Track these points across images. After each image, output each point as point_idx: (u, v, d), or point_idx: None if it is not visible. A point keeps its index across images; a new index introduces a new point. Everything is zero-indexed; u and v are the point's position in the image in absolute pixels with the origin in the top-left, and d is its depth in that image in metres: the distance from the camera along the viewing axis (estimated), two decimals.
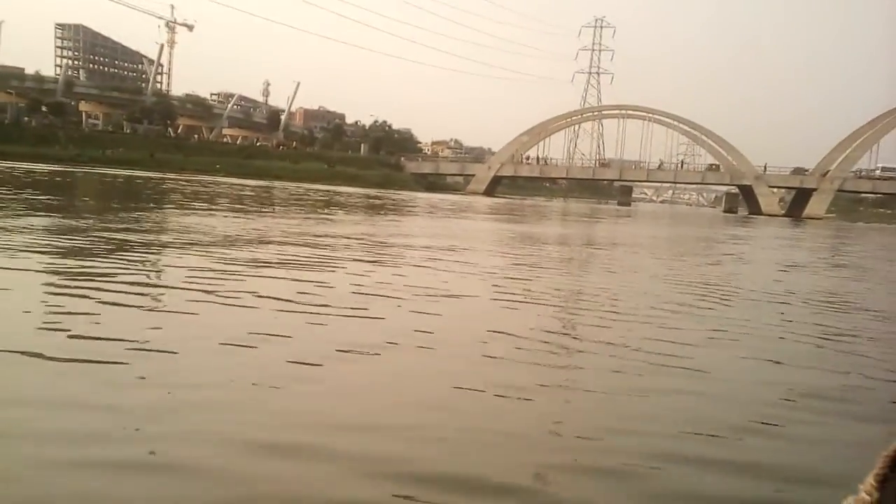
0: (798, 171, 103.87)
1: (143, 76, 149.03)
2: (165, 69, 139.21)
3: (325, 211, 32.59)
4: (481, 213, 45.09)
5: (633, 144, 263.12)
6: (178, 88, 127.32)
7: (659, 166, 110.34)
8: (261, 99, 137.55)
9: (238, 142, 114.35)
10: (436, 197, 74.39)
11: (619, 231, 38.97)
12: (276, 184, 67.35)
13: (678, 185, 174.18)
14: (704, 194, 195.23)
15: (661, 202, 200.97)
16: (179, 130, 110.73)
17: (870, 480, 0.50)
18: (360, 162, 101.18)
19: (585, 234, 32.63)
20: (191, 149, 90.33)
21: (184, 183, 50.74)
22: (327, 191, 60.61)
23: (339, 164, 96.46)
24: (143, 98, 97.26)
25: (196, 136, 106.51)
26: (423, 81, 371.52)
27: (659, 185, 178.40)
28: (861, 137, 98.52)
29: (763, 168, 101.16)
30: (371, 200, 50.32)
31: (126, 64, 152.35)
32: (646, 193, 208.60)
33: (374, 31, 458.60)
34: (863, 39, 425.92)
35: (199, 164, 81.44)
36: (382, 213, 36.08)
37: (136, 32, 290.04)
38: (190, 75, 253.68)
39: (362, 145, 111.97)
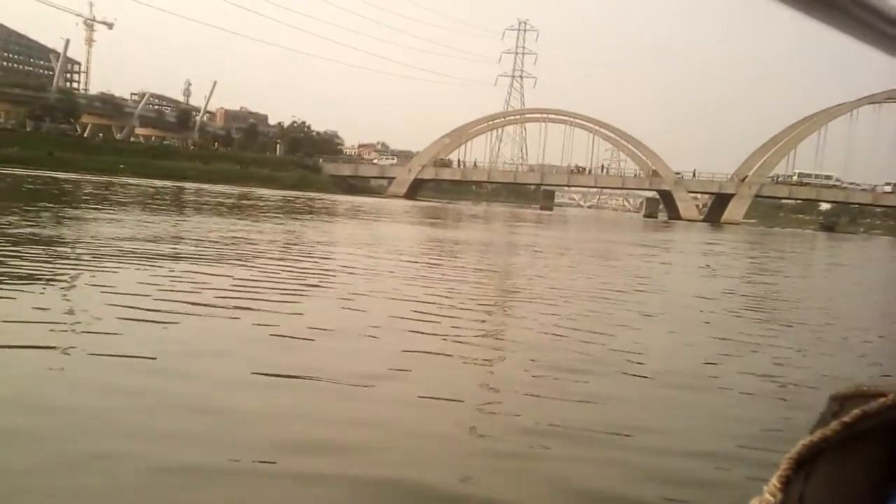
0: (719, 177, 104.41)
1: (65, 76, 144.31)
2: (83, 67, 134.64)
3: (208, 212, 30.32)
4: (385, 217, 43.14)
5: (556, 149, 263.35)
6: (99, 88, 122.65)
7: (581, 171, 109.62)
8: (182, 99, 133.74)
9: (152, 141, 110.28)
10: (352, 199, 72.34)
11: (517, 237, 37.48)
12: (177, 185, 64.30)
13: (605, 191, 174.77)
14: (631, 200, 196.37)
15: (589, 207, 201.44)
16: (88, 129, 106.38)
17: (774, 482, 0.51)
18: (275, 163, 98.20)
19: (474, 238, 31.00)
20: (94, 148, 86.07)
21: (68, 185, 47.58)
22: (229, 193, 57.95)
23: (253, 165, 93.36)
24: (47, 95, 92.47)
25: (100, 134, 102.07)
26: (351, 84, 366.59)
27: (586, 190, 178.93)
28: (778, 144, 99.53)
29: (681, 174, 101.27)
30: (265, 202, 47.99)
31: (41, 62, 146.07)
32: (573, 199, 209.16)
33: (304, 33, 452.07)
34: (783, 48, 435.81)
35: (102, 163, 77.49)
36: (271, 215, 33.87)
37: (57, 31, 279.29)
38: (113, 76, 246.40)
39: (278, 146, 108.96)
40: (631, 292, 14.65)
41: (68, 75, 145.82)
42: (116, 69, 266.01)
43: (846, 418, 0.46)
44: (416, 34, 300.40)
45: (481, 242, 28.09)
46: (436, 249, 22.37)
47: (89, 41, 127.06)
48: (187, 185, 66.52)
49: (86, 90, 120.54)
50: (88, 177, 61.74)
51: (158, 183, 62.77)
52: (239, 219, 27.67)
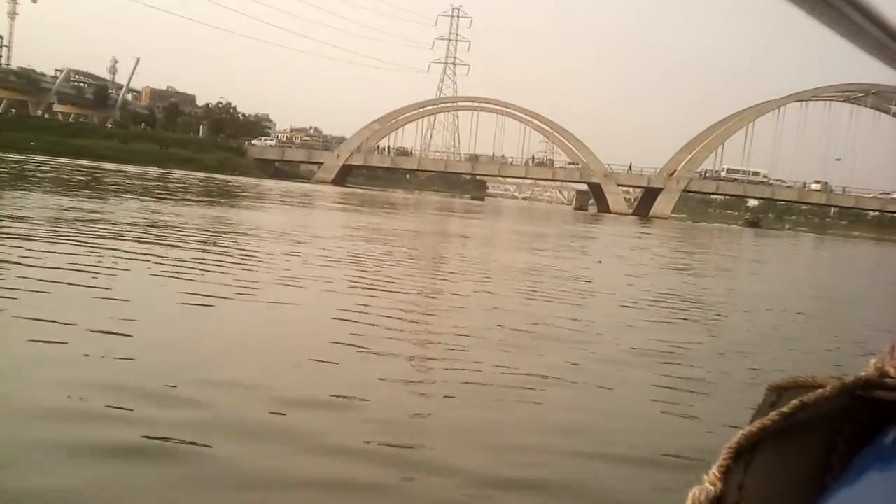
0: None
1: None
2: (6, 42, 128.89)
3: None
4: (294, 203, 41.31)
5: (488, 139, 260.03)
6: (23, 63, 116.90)
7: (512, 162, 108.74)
8: (108, 77, 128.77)
9: (71, 119, 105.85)
10: (274, 184, 70.09)
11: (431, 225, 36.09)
12: (85, 164, 61.22)
13: (539, 183, 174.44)
14: (565, 192, 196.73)
15: (524, 198, 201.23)
16: (2, 105, 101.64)
17: (713, 471, 0.49)
18: (197, 144, 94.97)
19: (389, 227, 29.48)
20: (4, 123, 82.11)
21: None
22: (140, 174, 55.33)
23: (175, 146, 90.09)
24: None
25: (13, 110, 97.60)
26: (285, 67, 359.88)
27: (521, 181, 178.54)
28: (706, 140, 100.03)
29: (610, 167, 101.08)
30: (173, 184, 45.71)
31: None
32: (508, 189, 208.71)
33: (236, 13, 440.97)
34: (716, 45, 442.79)
35: (11, 140, 73.84)
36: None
37: None
38: (40, 51, 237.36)
39: (201, 126, 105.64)
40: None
41: None
42: (43, 45, 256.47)
43: (785, 408, 0.47)
44: (348, 17, 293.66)
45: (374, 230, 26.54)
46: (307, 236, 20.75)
47: (12, 14, 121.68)
48: (100, 164, 63.51)
49: (7, 65, 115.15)
50: None
51: (67, 162, 59.70)
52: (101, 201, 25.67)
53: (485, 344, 8.20)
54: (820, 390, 0.47)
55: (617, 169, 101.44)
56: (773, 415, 0.48)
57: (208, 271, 11.43)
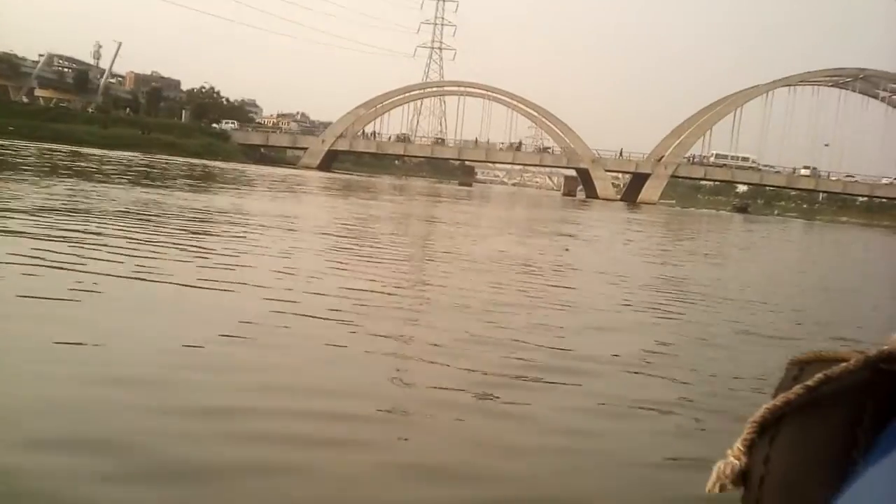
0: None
1: None
2: None
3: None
4: (275, 189, 40.41)
5: (475, 124, 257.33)
6: (4, 48, 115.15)
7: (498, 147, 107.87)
8: (93, 62, 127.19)
9: (52, 104, 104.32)
10: (257, 169, 69.08)
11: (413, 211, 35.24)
12: (63, 149, 60.10)
13: (529, 169, 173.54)
14: (555, 178, 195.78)
15: (513, 184, 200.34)
16: None
17: (738, 445, 0.48)
18: (180, 129, 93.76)
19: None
20: None
21: None
22: (117, 158, 54.29)
23: (157, 131, 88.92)
24: None
25: None
26: (272, 52, 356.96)
27: (510, 167, 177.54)
28: (694, 125, 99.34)
29: (598, 152, 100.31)
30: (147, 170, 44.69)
31: None
32: (497, 175, 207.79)
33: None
34: (706, 29, 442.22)
35: None
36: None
37: None
38: (22, 35, 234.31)
39: (184, 111, 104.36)
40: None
41: None
42: (27, 30, 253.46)
43: (809, 382, 0.45)
44: (336, 2, 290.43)
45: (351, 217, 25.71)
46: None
47: None
48: (79, 149, 62.38)
49: None
50: None
51: (44, 146, 58.60)
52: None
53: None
54: (843, 364, 0.45)
55: (606, 155, 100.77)
56: (796, 388, 0.46)
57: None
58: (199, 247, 12.53)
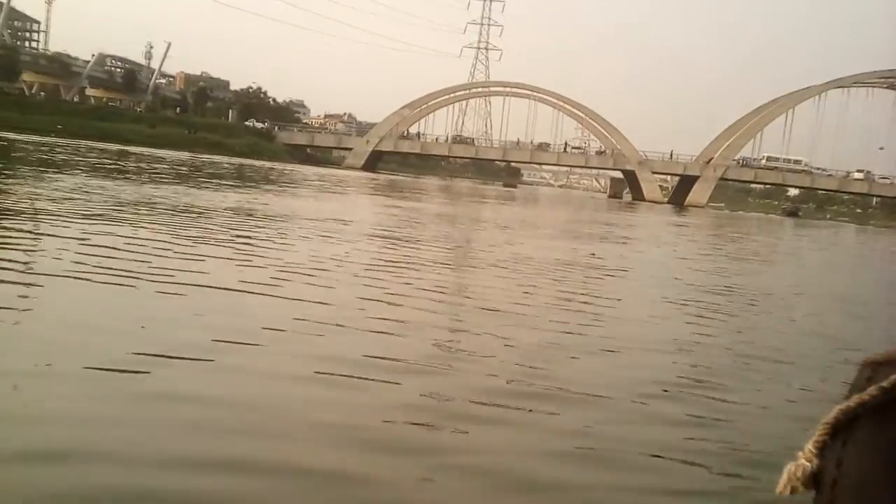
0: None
1: (20, 34, 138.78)
2: (43, 27, 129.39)
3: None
4: (313, 189, 40.26)
5: (519, 125, 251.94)
6: (61, 48, 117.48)
7: (544, 147, 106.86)
8: (144, 62, 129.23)
9: (102, 103, 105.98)
10: (301, 169, 69.31)
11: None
12: (110, 147, 60.80)
13: (576, 170, 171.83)
14: (602, 181, 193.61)
15: (560, 186, 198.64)
16: (35, 88, 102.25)
17: (809, 447, 0.46)
18: (226, 129, 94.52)
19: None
20: (34, 107, 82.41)
21: None
22: (157, 156, 54.69)
23: (203, 131, 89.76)
24: None
25: (42, 93, 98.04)
26: (320, 53, 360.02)
27: (558, 168, 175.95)
28: (744, 126, 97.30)
29: (645, 154, 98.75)
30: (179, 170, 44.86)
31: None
32: (545, 177, 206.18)
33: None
34: (754, 29, 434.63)
35: (36, 123, 73.98)
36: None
37: None
38: (79, 35, 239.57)
39: (231, 111, 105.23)
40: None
41: (26, 34, 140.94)
42: (84, 31, 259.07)
43: (884, 383, 0.43)
44: (385, 3, 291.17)
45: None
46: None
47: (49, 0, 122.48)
48: (126, 147, 63.19)
49: (45, 50, 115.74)
50: (11, 135, 58.33)
51: (91, 144, 59.36)
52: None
53: None
54: None
55: (654, 157, 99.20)
56: (871, 390, 0.44)
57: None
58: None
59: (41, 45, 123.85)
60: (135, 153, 54.35)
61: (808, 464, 0.47)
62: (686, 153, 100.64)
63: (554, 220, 36.41)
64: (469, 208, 39.40)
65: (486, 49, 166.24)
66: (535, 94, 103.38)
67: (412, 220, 24.33)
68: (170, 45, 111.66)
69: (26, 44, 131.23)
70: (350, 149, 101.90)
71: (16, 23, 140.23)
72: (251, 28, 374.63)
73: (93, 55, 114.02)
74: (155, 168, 38.06)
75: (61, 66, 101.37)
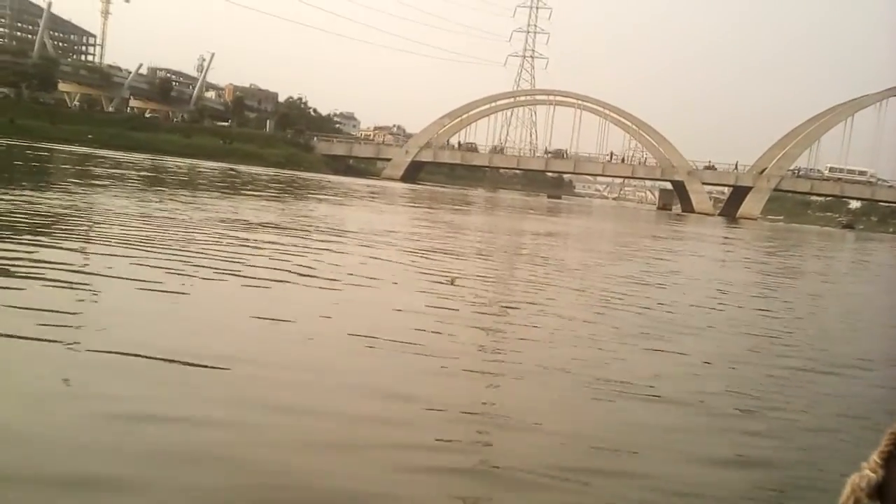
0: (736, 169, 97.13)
1: (76, 47, 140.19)
2: (98, 40, 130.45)
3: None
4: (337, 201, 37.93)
5: (565, 134, 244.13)
6: (115, 61, 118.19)
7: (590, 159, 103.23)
8: (196, 74, 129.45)
9: (147, 114, 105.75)
10: (335, 180, 67.26)
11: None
12: (137, 157, 59.39)
13: (629, 182, 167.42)
14: (655, 192, 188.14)
15: (614, 198, 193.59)
16: (77, 98, 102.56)
17: (874, 458, 0.46)
18: (262, 139, 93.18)
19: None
20: (68, 117, 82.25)
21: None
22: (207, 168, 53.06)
23: (239, 141, 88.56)
24: (25, 61, 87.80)
25: (76, 103, 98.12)
26: (373, 65, 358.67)
27: (611, 180, 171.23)
28: (800, 135, 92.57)
29: (695, 164, 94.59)
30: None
31: (56, 34, 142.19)
32: (598, 189, 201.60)
33: (329, 14, 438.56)
34: (807, 41, 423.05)
35: (67, 132, 73.74)
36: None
37: (80, 6, 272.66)
38: (135, 49, 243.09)
39: (268, 122, 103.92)
40: None
41: (83, 48, 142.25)
42: (139, 44, 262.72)
43: None
44: (431, 12, 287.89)
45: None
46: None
47: (105, 13, 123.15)
48: (156, 158, 61.95)
49: (99, 63, 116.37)
50: (40, 144, 57.55)
51: (116, 154, 58.11)
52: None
53: None
54: None
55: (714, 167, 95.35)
56: None
57: None
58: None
59: (97, 59, 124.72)
60: (160, 164, 52.67)
61: (872, 475, 0.45)
62: (740, 163, 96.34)
63: (577, 234, 33.38)
64: (505, 221, 36.64)
65: (532, 57, 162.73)
66: (580, 102, 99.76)
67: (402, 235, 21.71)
68: (213, 55, 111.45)
69: (82, 57, 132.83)
70: (389, 159, 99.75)
71: (72, 36, 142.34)
72: (303, 40, 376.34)
73: (139, 65, 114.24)
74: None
75: (102, 76, 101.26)
